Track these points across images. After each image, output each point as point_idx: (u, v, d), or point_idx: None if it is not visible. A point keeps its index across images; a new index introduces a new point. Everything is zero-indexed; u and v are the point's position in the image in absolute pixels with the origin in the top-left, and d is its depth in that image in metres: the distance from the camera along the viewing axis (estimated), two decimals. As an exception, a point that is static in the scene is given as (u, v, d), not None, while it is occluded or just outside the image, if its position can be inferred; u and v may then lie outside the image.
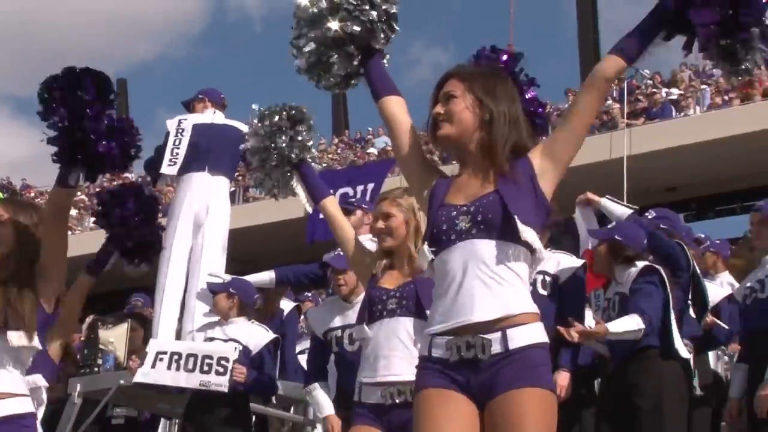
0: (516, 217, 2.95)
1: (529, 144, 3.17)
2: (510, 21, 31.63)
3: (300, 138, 4.57)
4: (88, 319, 8.19)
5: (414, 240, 4.27)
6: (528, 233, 2.94)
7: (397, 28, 3.43)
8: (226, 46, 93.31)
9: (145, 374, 6.54)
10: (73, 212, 29.45)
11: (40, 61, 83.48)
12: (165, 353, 6.50)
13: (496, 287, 2.96)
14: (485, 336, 2.93)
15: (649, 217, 6.25)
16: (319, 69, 3.45)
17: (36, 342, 3.90)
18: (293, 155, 4.53)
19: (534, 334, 2.98)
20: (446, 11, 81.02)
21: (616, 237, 5.72)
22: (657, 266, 5.72)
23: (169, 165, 7.36)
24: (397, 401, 4.08)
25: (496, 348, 2.93)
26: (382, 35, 3.38)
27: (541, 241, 3.04)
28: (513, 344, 2.93)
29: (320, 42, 3.37)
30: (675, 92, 23.85)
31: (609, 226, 5.99)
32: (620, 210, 6.09)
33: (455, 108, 3.13)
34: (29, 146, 69.18)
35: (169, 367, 6.44)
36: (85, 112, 3.60)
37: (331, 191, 8.20)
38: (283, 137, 4.56)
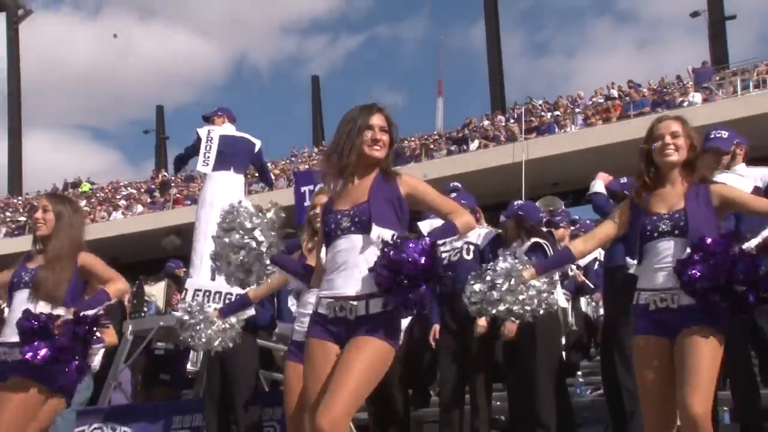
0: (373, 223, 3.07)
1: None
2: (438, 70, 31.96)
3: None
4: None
5: None
6: (383, 233, 3.06)
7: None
8: (243, 96, 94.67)
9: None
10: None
11: (108, 100, 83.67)
12: (200, 290, 6.53)
13: (366, 270, 3.04)
14: (353, 303, 3.05)
15: (516, 205, 5.81)
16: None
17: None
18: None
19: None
20: (400, 65, 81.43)
21: (519, 213, 5.62)
22: (543, 242, 5.49)
23: (204, 165, 7.37)
24: None
25: (360, 312, 3.03)
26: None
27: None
28: (372, 309, 3.02)
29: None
30: (558, 113, 24.22)
31: (515, 206, 5.74)
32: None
33: (385, 138, 3.18)
34: (99, 161, 72.51)
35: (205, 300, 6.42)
36: None
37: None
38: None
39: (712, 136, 4.97)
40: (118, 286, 4.19)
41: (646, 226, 3.31)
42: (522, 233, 5.53)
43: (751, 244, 3.36)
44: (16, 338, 3.90)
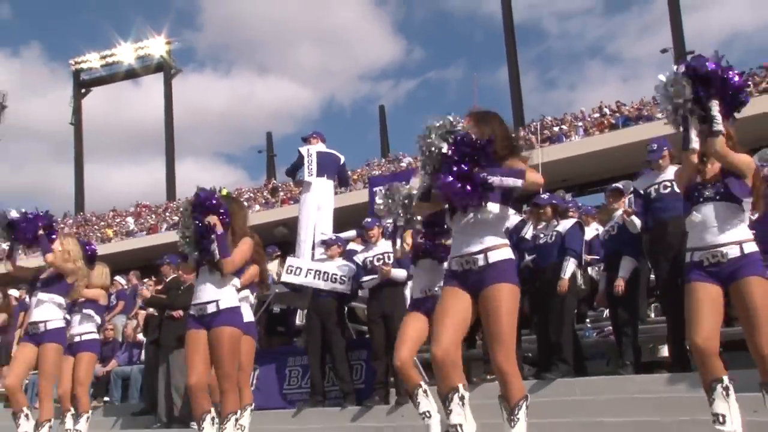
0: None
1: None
2: (474, 100, 31.59)
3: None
4: None
5: None
6: (493, 207, 2.81)
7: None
8: (331, 125, 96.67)
9: (284, 277, 6.49)
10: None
11: (236, 133, 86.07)
12: (297, 267, 6.41)
13: (483, 232, 2.87)
14: (475, 256, 2.86)
15: (546, 197, 5.74)
16: None
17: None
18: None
19: (503, 253, 2.87)
20: (445, 99, 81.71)
21: (554, 201, 5.65)
22: (579, 220, 5.70)
23: (309, 176, 7.40)
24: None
25: (481, 263, 2.85)
26: None
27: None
28: (491, 259, 2.85)
29: None
30: (564, 128, 23.85)
31: (548, 197, 5.73)
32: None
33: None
34: (229, 176, 75.21)
35: (296, 275, 6.39)
36: None
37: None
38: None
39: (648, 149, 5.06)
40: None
41: (693, 192, 3.15)
42: (556, 215, 5.60)
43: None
44: (204, 300, 3.91)
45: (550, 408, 4.59)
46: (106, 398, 8.68)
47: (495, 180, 2.75)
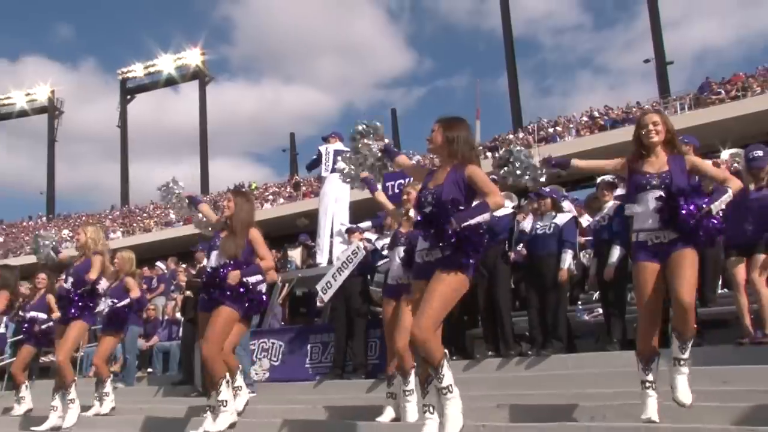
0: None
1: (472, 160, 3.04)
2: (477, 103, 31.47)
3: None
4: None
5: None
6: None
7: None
8: (349, 127, 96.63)
9: (324, 296, 6.39)
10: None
11: (263, 135, 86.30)
12: (327, 284, 6.26)
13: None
14: (433, 251, 2.95)
15: (548, 190, 5.73)
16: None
17: None
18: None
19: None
20: (452, 104, 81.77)
21: (554, 196, 5.58)
22: (575, 215, 5.56)
23: (326, 171, 7.44)
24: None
25: (437, 255, 2.93)
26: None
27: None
28: (446, 252, 2.91)
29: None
30: (558, 129, 23.72)
31: (548, 190, 5.60)
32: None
33: (438, 138, 3.10)
34: (257, 173, 74.57)
35: (325, 293, 6.29)
36: None
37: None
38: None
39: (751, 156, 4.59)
40: (269, 264, 4.17)
41: (640, 181, 3.17)
42: (555, 208, 5.55)
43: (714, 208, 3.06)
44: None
45: (546, 381, 4.61)
46: (149, 369, 8.79)
47: (469, 224, 2.84)
